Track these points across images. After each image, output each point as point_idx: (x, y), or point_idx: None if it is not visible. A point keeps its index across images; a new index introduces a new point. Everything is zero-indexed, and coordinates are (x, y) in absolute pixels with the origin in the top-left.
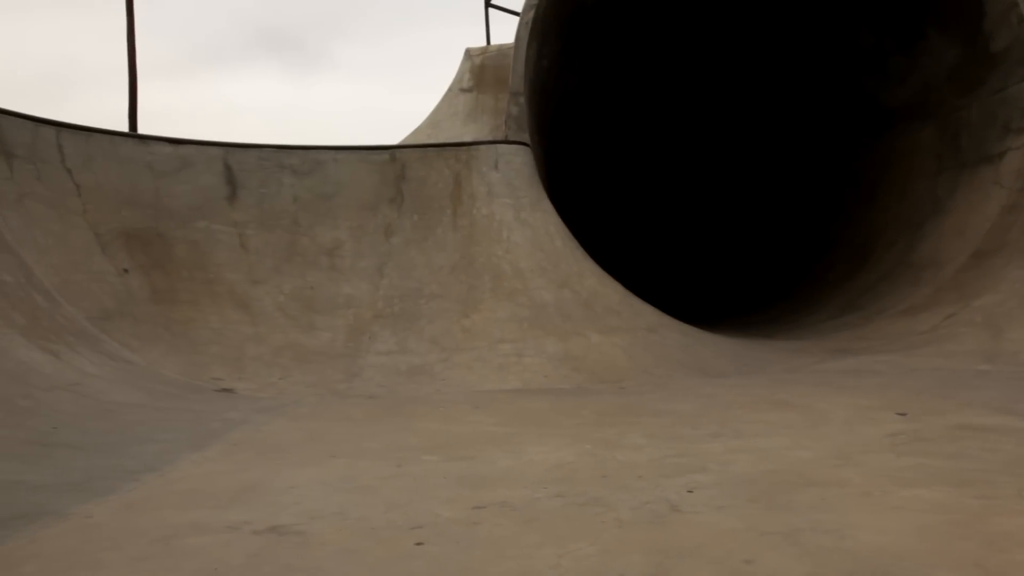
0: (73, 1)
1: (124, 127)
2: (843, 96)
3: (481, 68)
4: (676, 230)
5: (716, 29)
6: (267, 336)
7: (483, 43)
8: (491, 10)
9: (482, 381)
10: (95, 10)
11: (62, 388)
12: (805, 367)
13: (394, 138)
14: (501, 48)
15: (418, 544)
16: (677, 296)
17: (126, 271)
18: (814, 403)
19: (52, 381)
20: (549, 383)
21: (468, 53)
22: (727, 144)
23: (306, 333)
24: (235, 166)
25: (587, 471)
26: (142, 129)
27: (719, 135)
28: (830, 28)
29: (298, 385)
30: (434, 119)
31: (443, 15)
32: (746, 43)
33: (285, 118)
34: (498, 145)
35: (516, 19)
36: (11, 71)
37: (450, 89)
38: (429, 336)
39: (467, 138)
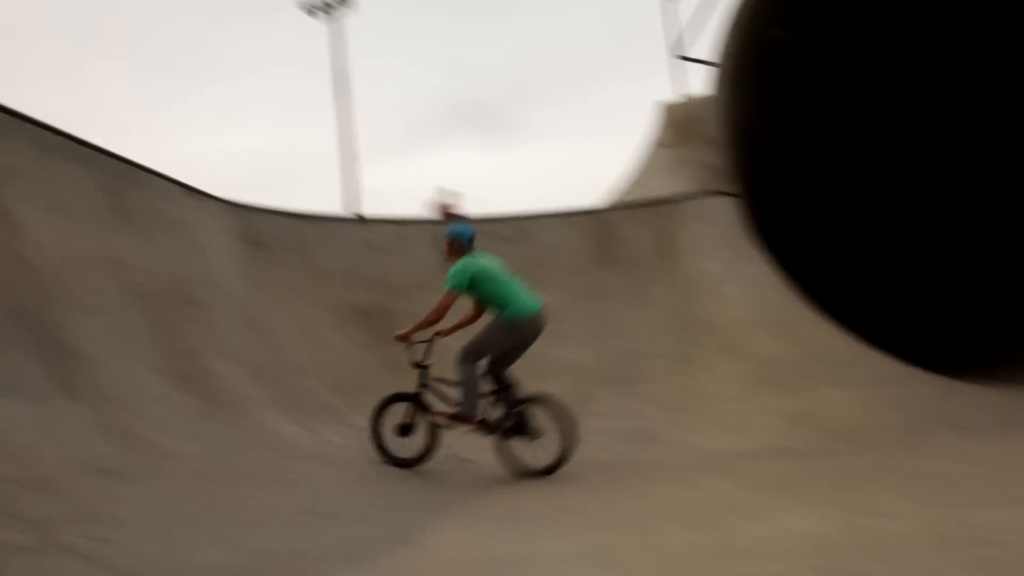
0: (293, 99)
1: (342, 208)
2: None
3: (677, 121)
4: (899, 269)
5: (925, 54)
6: None
7: (676, 95)
8: (682, 61)
9: (710, 441)
10: (311, 107)
11: (316, 459)
12: None
13: (595, 196)
14: (696, 100)
15: None
16: (911, 341)
17: (359, 345)
18: None
19: (307, 452)
20: (781, 442)
21: (662, 107)
22: (947, 176)
23: None
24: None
25: (846, 542)
26: (361, 210)
27: (936, 166)
28: None
29: None
30: (635, 176)
31: (630, 69)
32: (961, 63)
33: (488, 186)
34: (704, 198)
35: (709, 68)
36: (243, 162)
37: (648, 145)
38: (649, 396)
39: (670, 193)
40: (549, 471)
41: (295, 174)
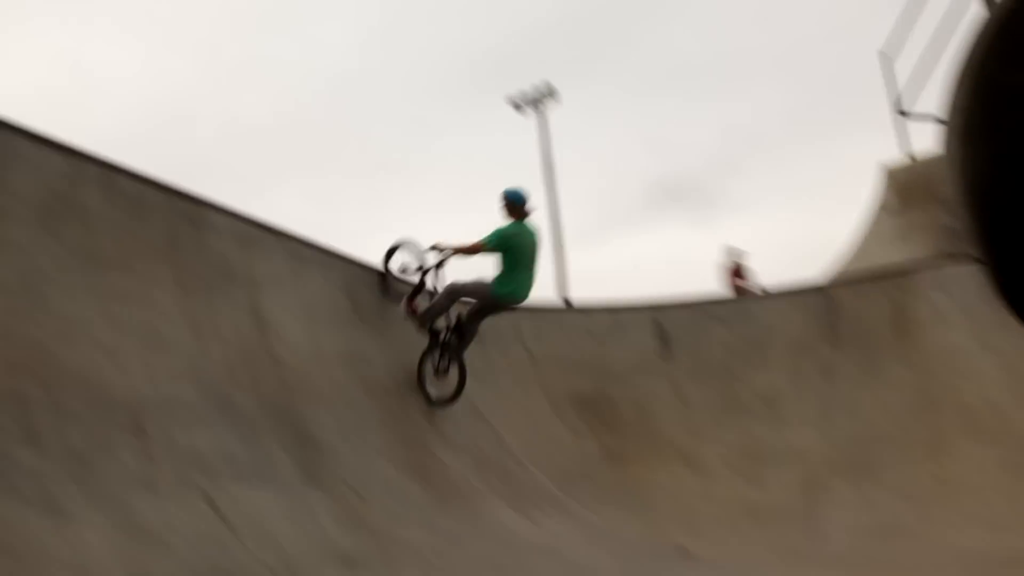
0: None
1: (552, 293)
2: None
3: (904, 185)
4: None
5: None
6: (715, 492)
7: (896, 155)
8: (904, 119)
9: (970, 540)
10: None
11: (541, 551)
12: None
13: (812, 269)
14: (922, 160)
15: None
16: None
17: (579, 433)
18: None
19: (532, 544)
20: None
21: (886, 170)
22: None
23: (755, 487)
24: (665, 323)
25: None
26: (571, 294)
27: None
28: None
29: (756, 546)
30: (858, 245)
31: (843, 132)
32: None
33: (696, 263)
34: (942, 265)
35: (936, 125)
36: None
37: (871, 211)
38: (893, 486)
39: (900, 262)
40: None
41: None
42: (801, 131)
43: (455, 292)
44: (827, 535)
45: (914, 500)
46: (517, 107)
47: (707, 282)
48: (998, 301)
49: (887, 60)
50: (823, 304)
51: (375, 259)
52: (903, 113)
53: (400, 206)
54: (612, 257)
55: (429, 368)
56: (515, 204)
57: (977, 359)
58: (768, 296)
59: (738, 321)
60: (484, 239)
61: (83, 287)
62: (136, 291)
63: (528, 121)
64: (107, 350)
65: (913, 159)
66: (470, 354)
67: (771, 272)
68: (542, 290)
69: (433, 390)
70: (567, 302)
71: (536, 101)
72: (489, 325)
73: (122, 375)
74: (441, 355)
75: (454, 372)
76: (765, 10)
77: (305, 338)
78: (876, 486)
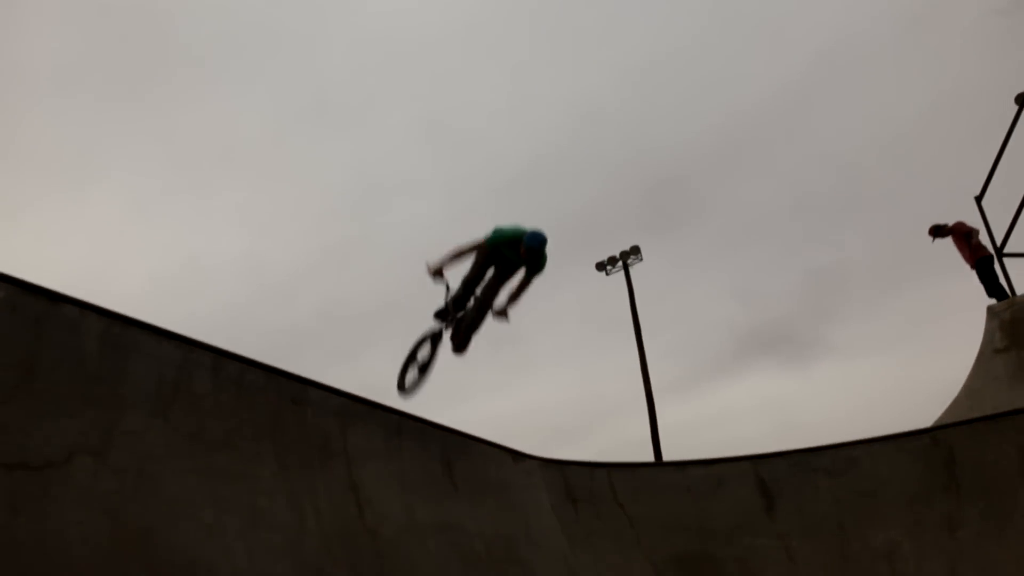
0: (593, 347)
1: (646, 448)
2: None
3: (1014, 322)
4: None
5: None
6: None
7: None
8: (1005, 259)
9: None
10: (610, 352)
11: None
12: None
13: (923, 415)
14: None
15: None
16: None
17: None
18: None
19: None
20: None
21: (991, 310)
22: None
23: None
24: (767, 476)
25: None
26: (664, 447)
27: None
28: None
29: None
30: (970, 388)
31: (935, 270)
32: None
33: (793, 412)
34: None
35: None
36: (553, 415)
37: (981, 352)
38: None
39: (1017, 403)
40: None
41: (601, 419)
42: (893, 272)
43: (467, 279)
44: None
45: None
46: (602, 268)
47: (805, 431)
48: None
49: (979, 203)
50: (936, 450)
51: (469, 427)
52: (1004, 254)
53: (496, 369)
54: (705, 409)
55: (424, 352)
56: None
57: None
58: (875, 441)
59: (846, 471)
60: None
61: (191, 469)
62: (239, 470)
63: (615, 281)
64: (210, 530)
65: (1016, 297)
66: (564, 516)
67: (877, 420)
68: (635, 447)
69: (412, 376)
70: (660, 458)
71: (622, 261)
72: (583, 487)
73: (223, 554)
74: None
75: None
76: (846, 157)
77: (400, 509)
78: None
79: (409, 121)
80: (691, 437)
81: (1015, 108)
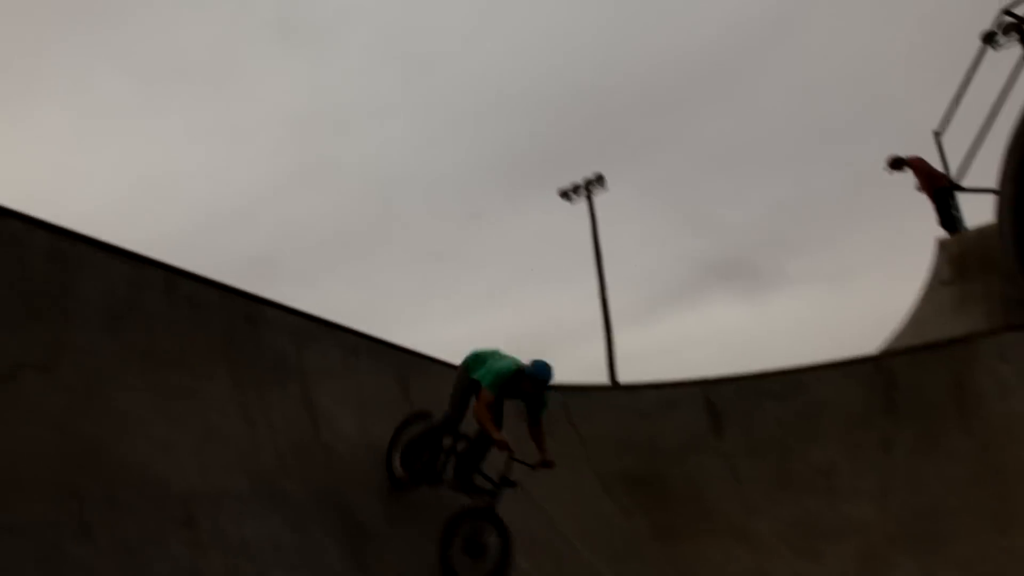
0: (554, 274)
1: (602, 373)
2: None
3: (961, 256)
4: None
5: None
6: (771, 568)
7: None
8: (960, 192)
9: None
10: (571, 279)
11: None
12: None
13: (868, 344)
14: (979, 231)
15: None
16: None
17: (629, 512)
18: None
19: None
20: None
21: (941, 244)
22: None
23: (812, 562)
24: (716, 399)
25: None
26: (620, 372)
27: None
28: None
29: None
30: (915, 318)
31: (894, 205)
32: None
33: (747, 342)
34: (1002, 334)
35: (986, 196)
36: (511, 339)
37: (927, 284)
38: (961, 561)
39: (958, 333)
40: None
41: (559, 345)
42: (852, 208)
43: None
44: None
45: (982, 573)
46: (566, 196)
47: (760, 358)
48: None
49: (938, 138)
50: (879, 376)
51: (426, 346)
52: (957, 187)
53: (456, 294)
54: (662, 336)
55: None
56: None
57: None
58: (821, 368)
59: (791, 395)
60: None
61: (143, 385)
62: (192, 387)
63: (578, 208)
64: (162, 444)
65: (964, 231)
66: (517, 433)
67: (827, 349)
68: (592, 373)
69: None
70: (615, 382)
71: (585, 189)
72: None
73: (176, 469)
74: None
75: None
76: (808, 87)
77: (355, 427)
78: (941, 560)
79: (378, 43)
80: (647, 364)
81: (980, 46)
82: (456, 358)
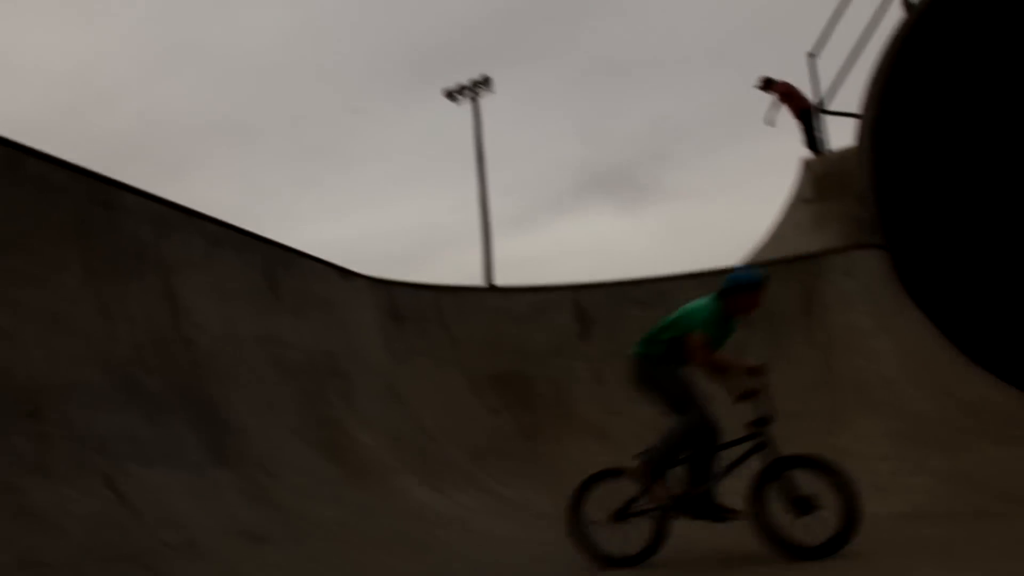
0: (435, 179)
1: (480, 279)
2: None
3: (822, 176)
4: None
5: None
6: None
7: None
8: (824, 115)
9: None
10: (452, 183)
11: (451, 524)
12: None
13: (735, 258)
14: (841, 153)
15: None
16: None
17: (495, 410)
18: None
19: (443, 517)
20: (942, 505)
21: (805, 163)
22: None
23: None
24: (585, 304)
25: None
26: (498, 278)
27: None
28: None
29: None
30: (777, 234)
31: (769, 128)
32: None
33: (625, 250)
34: (850, 252)
35: (853, 120)
36: (390, 242)
37: (790, 201)
38: None
39: (814, 249)
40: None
41: (437, 249)
42: (730, 127)
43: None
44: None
45: None
46: (452, 97)
47: (635, 269)
48: (896, 285)
49: (812, 60)
50: None
51: (300, 243)
52: (823, 111)
53: (332, 193)
54: (542, 244)
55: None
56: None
57: (875, 339)
58: (683, 278)
59: (655, 303)
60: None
61: None
62: (38, 274)
63: (463, 110)
64: (3, 333)
65: (829, 153)
66: (388, 334)
67: (699, 261)
68: (470, 279)
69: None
70: (493, 286)
71: (471, 91)
72: (409, 307)
73: (20, 358)
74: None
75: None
76: (698, 6)
77: (219, 320)
78: None
79: None
80: (526, 272)
81: None
82: (341, 260)
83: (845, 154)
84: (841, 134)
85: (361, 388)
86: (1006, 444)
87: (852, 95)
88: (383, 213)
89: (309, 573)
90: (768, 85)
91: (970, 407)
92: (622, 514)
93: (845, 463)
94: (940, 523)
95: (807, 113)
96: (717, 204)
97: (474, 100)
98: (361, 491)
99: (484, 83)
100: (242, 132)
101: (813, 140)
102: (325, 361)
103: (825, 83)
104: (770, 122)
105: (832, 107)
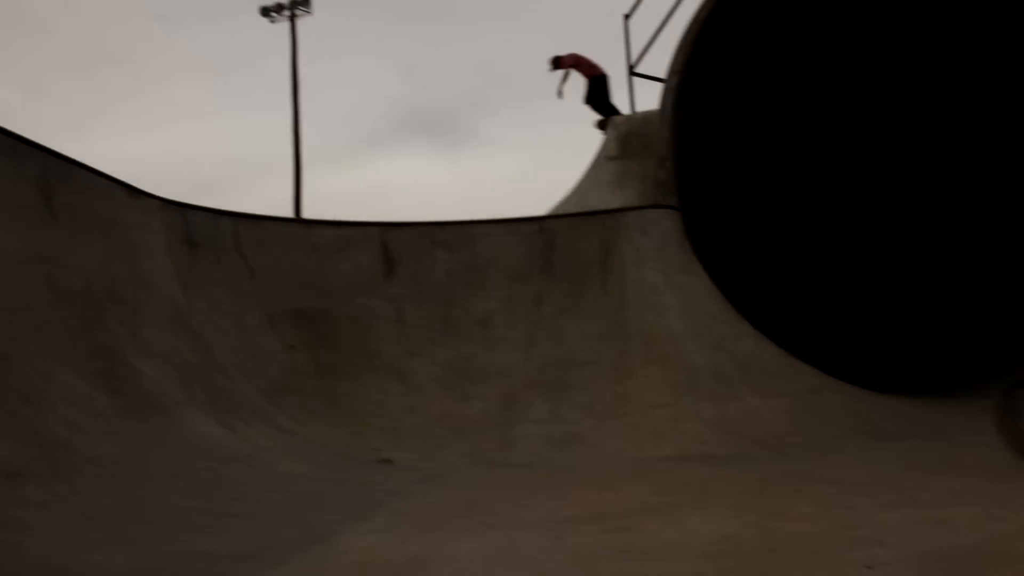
0: (246, 102)
1: (291, 212)
2: None
3: (627, 136)
4: (841, 280)
5: (871, 71)
6: (424, 407)
7: (627, 111)
8: (634, 77)
9: (637, 448)
10: (264, 108)
11: (238, 460)
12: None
13: (542, 209)
14: (646, 115)
15: None
16: (847, 353)
17: (293, 347)
18: (1008, 469)
19: (230, 454)
20: (707, 449)
21: (613, 122)
22: (888, 190)
23: (461, 403)
24: (392, 244)
25: (754, 544)
26: (307, 213)
27: (878, 181)
28: None
29: (454, 455)
30: (581, 188)
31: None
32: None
33: (437, 194)
34: (646, 210)
35: (660, 84)
36: (193, 166)
37: (596, 158)
38: (582, 403)
39: (615, 205)
40: None
41: (245, 178)
42: (552, 78)
43: None
44: (517, 444)
45: (596, 415)
46: (268, 14)
47: (448, 214)
48: (686, 245)
49: (627, 22)
50: (541, 237)
51: (90, 158)
52: (634, 73)
53: (131, 107)
54: (356, 183)
55: None
56: None
57: (664, 295)
58: (490, 224)
59: (462, 247)
60: None
61: None
62: None
63: (279, 31)
64: None
65: (634, 113)
66: (181, 261)
67: (509, 209)
68: (276, 208)
69: None
70: (301, 219)
71: (288, 9)
72: (206, 234)
73: None
74: None
75: None
76: None
77: None
78: (567, 403)
79: None
80: (338, 209)
81: None
82: (135, 180)
83: (649, 117)
84: (650, 97)
85: (147, 317)
86: (766, 396)
87: (663, 59)
88: (188, 134)
89: (77, 511)
90: (558, 63)
91: (740, 362)
92: None
93: (628, 410)
94: (700, 464)
95: (599, 79)
96: (534, 155)
97: (292, 19)
98: (141, 425)
99: (303, 2)
100: (30, 30)
101: (607, 106)
102: (106, 286)
103: (637, 47)
104: (560, 95)
105: (642, 70)
